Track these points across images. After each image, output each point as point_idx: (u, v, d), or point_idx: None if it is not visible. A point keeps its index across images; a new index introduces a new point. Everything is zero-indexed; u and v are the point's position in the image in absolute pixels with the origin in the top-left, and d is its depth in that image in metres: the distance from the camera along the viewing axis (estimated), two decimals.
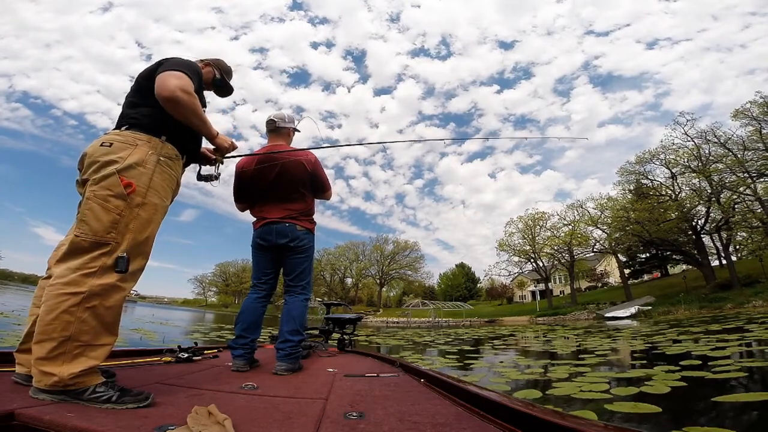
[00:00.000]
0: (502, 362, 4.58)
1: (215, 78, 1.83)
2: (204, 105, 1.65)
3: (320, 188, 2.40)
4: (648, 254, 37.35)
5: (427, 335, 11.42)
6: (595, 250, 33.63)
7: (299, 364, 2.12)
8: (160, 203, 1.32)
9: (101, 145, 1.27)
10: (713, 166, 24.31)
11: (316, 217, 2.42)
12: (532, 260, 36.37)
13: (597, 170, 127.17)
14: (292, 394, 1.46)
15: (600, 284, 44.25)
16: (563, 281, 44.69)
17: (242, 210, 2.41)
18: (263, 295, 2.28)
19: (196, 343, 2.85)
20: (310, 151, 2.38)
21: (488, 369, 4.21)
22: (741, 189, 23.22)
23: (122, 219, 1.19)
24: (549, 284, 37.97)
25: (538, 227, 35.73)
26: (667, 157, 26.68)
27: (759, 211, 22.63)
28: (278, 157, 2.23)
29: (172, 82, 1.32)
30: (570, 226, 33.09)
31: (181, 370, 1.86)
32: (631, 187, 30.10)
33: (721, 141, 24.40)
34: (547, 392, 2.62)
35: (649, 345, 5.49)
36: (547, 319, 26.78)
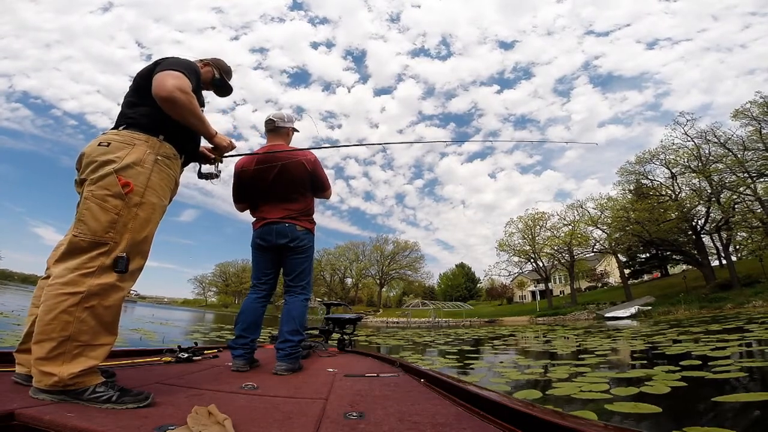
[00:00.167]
0: (502, 362, 4.58)
1: (214, 78, 1.83)
2: (202, 104, 1.65)
3: (320, 188, 2.40)
4: (648, 254, 37.34)
5: (427, 335, 11.42)
6: (595, 250, 33.63)
7: (299, 364, 2.12)
8: (159, 202, 1.32)
9: (99, 144, 1.27)
10: (713, 166, 24.31)
11: (316, 217, 2.42)
12: (532, 260, 36.37)
13: (597, 170, 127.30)
14: (292, 394, 1.46)
15: (600, 284, 44.25)
16: (563, 281, 44.68)
17: (241, 210, 2.41)
18: (263, 296, 2.28)
19: (196, 343, 2.85)
20: (310, 150, 2.38)
21: (488, 369, 4.21)
22: (741, 189, 23.22)
23: (120, 219, 1.19)
24: (549, 284, 37.96)
25: (538, 227, 35.73)
26: (667, 157, 26.71)
27: (759, 211, 22.63)
28: (278, 157, 2.22)
29: (169, 81, 1.32)
30: (570, 226, 33.10)
31: (181, 370, 1.86)
32: (631, 187, 30.10)
33: (721, 141, 24.40)
34: (547, 392, 2.62)
35: (649, 345, 5.49)
36: (547, 319, 26.77)
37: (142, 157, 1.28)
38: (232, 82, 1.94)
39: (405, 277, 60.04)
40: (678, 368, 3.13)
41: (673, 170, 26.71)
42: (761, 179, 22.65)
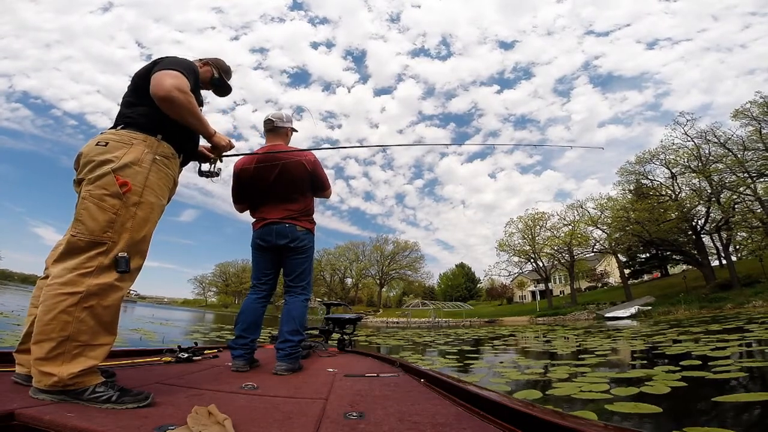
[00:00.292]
0: (502, 362, 4.58)
1: (213, 77, 1.83)
2: (201, 104, 1.65)
3: (320, 188, 2.40)
4: (648, 254, 37.33)
5: (427, 335, 11.41)
6: (595, 250, 33.62)
7: (299, 364, 2.12)
8: (157, 202, 1.31)
9: (97, 144, 1.26)
10: (713, 166, 24.30)
11: (316, 217, 2.42)
12: (532, 260, 36.35)
13: (597, 170, 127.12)
14: (292, 394, 1.46)
15: (600, 284, 44.23)
16: (563, 281, 44.67)
17: (241, 211, 2.41)
18: (263, 296, 2.28)
19: (196, 343, 2.85)
20: (310, 151, 2.38)
21: (488, 369, 4.20)
22: (741, 189, 23.21)
23: (118, 218, 1.19)
24: (549, 284, 37.94)
25: (538, 227, 35.72)
26: (667, 157, 26.69)
27: (759, 211, 22.62)
28: (278, 157, 2.22)
29: (167, 81, 1.32)
30: (570, 226, 33.08)
31: (181, 370, 1.86)
32: (631, 187, 30.09)
33: (721, 141, 24.39)
34: (547, 392, 2.62)
35: (650, 345, 5.49)
36: (547, 320, 26.76)
37: (140, 156, 1.27)
38: (231, 82, 1.93)
39: (405, 277, 60.03)
40: (678, 368, 3.13)
41: (673, 170, 26.72)
42: (761, 179, 22.65)
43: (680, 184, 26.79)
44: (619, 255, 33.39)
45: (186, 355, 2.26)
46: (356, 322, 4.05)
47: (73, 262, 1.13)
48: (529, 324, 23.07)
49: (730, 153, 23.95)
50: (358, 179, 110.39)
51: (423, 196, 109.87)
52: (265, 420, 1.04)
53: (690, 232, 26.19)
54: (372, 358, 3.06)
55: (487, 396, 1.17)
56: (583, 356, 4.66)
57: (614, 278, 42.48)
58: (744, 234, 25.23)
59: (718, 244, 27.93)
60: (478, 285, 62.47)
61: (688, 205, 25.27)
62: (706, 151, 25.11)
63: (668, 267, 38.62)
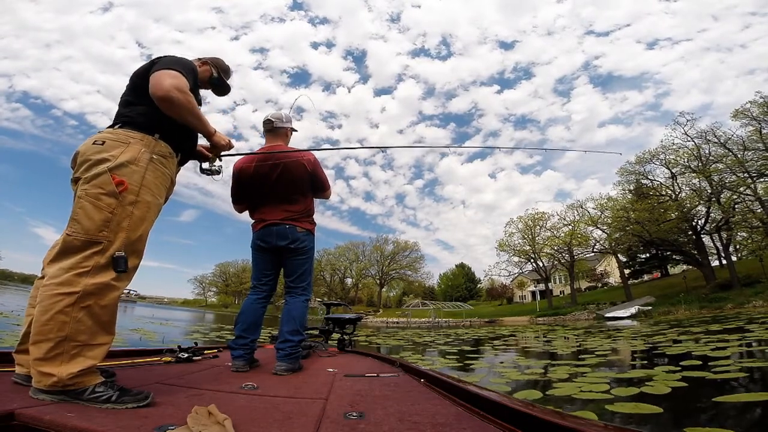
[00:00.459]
0: (502, 362, 4.58)
1: (212, 76, 1.82)
2: (199, 103, 1.65)
3: (320, 188, 2.40)
4: (648, 254, 37.32)
5: (427, 335, 11.41)
6: (595, 250, 33.62)
7: (299, 364, 2.12)
8: (153, 201, 1.31)
9: (94, 143, 1.26)
10: (713, 166, 24.30)
11: (316, 217, 2.42)
12: (532, 260, 36.36)
13: (597, 170, 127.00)
14: (292, 394, 1.46)
15: (600, 284, 44.23)
16: (563, 281, 44.67)
17: (240, 211, 2.40)
18: (263, 296, 2.28)
19: (196, 343, 2.85)
20: (309, 151, 2.38)
21: (488, 369, 4.20)
22: (741, 189, 23.21)
23: (114, 217, 1.18)
24: (549, 284, 37.95)
25: (538, 227, 35.72)
26: (667, 157, 26.69)
27: (759, 211, 22.62)
28: (278, 158, 2.22)
29: (166, 81, 1.31)
30: (570, 226, 33.09)
31: (181, 370, 1.85)
32: (631, 187, 30.10)
33: (721, 141, 24.39)
34: (547, 392, 2.62)
35: (650, 345, 5.49)
36: (547, 320, 26.76)
37: (137, 155, 1.27)
38: (230, 82, 1.93)
39: (405, 277, 60.02)
40: (678, 368, 3.12)
41: (673, 170, 26.72)
42: (761, 179, 22.65)
43: (680, 184, 26.82)
44: (619, 255, 33.39)
45: (186, 355, 2.26)
46: (356, 322, 4.05)
47: (69, 262, 1.12)
48: (529, 324, 23.06)
49: (730, 153, 23.95)
50: (358, 179, 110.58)
51: (423, 196, 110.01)
52: (265, 420, 1.04)
53: (690, 232, 26.19)
54: (372, 358, 3.05)
55: (487, 396, 1.17)
56: (583, 356, 4.66)
57: (614, 278, 42.47)
58: (744, 234, 25.21)
59: (718, 244, 27.92)
60: (478, 285, 62.46)
61: (688, 205, 25.27)
62: (706, 151, 25.12)
63: (668, 267, 38.61)
